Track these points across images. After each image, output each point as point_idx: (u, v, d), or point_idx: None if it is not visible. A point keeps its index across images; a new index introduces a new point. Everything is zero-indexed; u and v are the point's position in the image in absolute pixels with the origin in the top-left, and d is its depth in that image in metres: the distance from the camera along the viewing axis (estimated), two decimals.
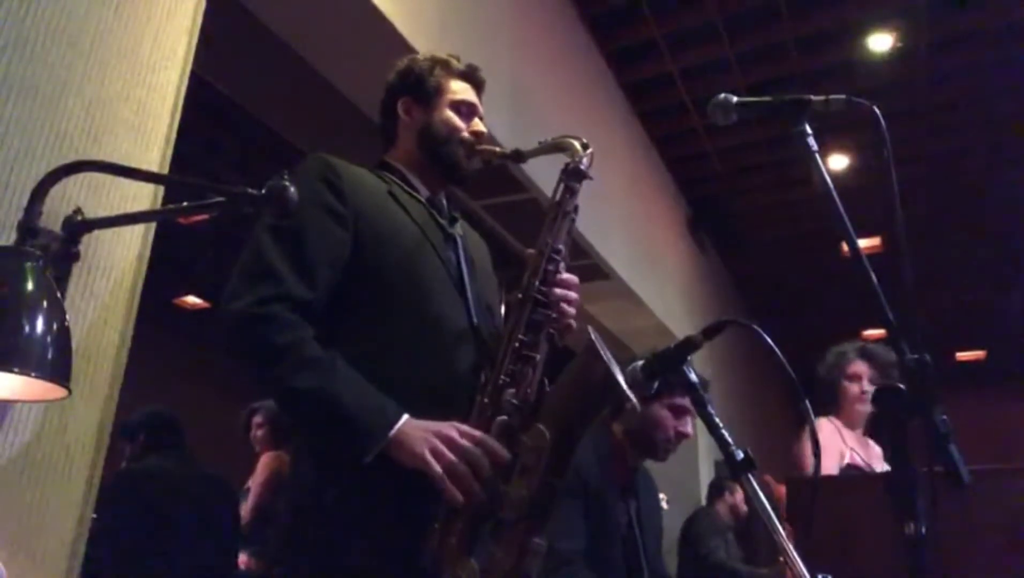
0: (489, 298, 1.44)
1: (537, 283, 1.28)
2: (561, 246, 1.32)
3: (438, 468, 1.11)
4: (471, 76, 1.52)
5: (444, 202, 1.49)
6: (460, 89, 1.49)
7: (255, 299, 1.15)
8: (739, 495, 4.41)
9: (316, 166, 1.32)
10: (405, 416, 1.14)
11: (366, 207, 1.31)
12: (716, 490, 4.62)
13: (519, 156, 1.43)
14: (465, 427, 1.16)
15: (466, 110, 1.48)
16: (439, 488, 1.11)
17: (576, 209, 1.36)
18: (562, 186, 1.37)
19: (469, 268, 1.40)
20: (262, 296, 1.16)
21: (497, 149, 1.47)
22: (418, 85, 1.48)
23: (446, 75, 1.49)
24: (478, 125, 1.48)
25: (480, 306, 1.37)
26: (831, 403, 2.57)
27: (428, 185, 1.47)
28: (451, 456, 1.12)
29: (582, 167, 1.37)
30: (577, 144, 1.39)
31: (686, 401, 2.03)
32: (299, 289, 1.19)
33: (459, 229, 1.47)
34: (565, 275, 1.32)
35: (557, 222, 1.34)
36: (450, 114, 1.46)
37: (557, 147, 1.41)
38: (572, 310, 1.32)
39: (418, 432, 1.13)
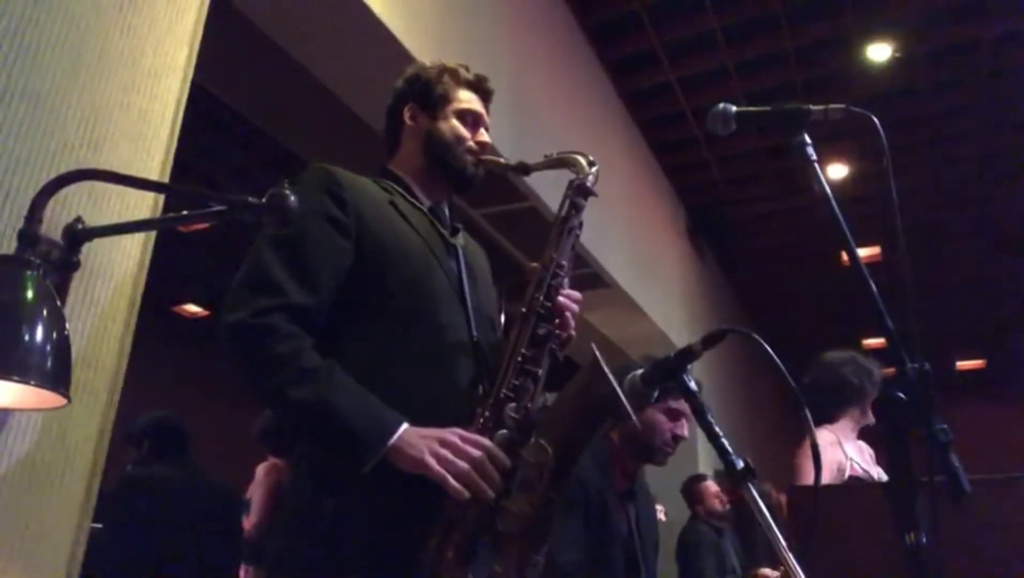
0: (489, 309, 1.43)
1: (541, 298, 1.28)
2: (565, 261, 1.33)
3: (439, 469, 1.10)
4: (479, 86, 1.51)
5: (446, 211, 1.48)
6: (467, 99, 1.48)
7: (254, 310, 1.15)
8: (709, 492, 4.36)
9: (317, 176, 1.31)
10: (405, 424, 1.14)
11: (368, 216, 1.30)
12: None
13: (524, 169, 1.44)
14: (468, 434, 1.16)
15: (472, 120, 1.47)
16: (442, 487, 1.10)
17: (581, 225, 1.37)
18: (568, 202, 1.37)
19: (470, 279, 1.40)
20: (262, 307, 1.15)
21: (502, 160, 1.47)
22: (425, 92, 1.47)
23: (454, 84, 1.48)
24: (483, 136, 1.48)
25: (480, 317, 1.36)
26: (850, 408, 2.51)
27: (430, 194, 1.46)
28: (454, 459, 1.11)
29: (588, 184, 1.37)
30: (583, 160, 1.39)
31: (681, 404, 2.03)
32: (299, 296, 1.18)
33: (460, 239, 1.46)
34: (568, 290, 1.33)
35: (562, 237, 1.34)
36: (456, 123, 1.45)
37: (563, 162, 1.42)
38: (571, 323, 1.33)
39: (419, 439, 1.13)
